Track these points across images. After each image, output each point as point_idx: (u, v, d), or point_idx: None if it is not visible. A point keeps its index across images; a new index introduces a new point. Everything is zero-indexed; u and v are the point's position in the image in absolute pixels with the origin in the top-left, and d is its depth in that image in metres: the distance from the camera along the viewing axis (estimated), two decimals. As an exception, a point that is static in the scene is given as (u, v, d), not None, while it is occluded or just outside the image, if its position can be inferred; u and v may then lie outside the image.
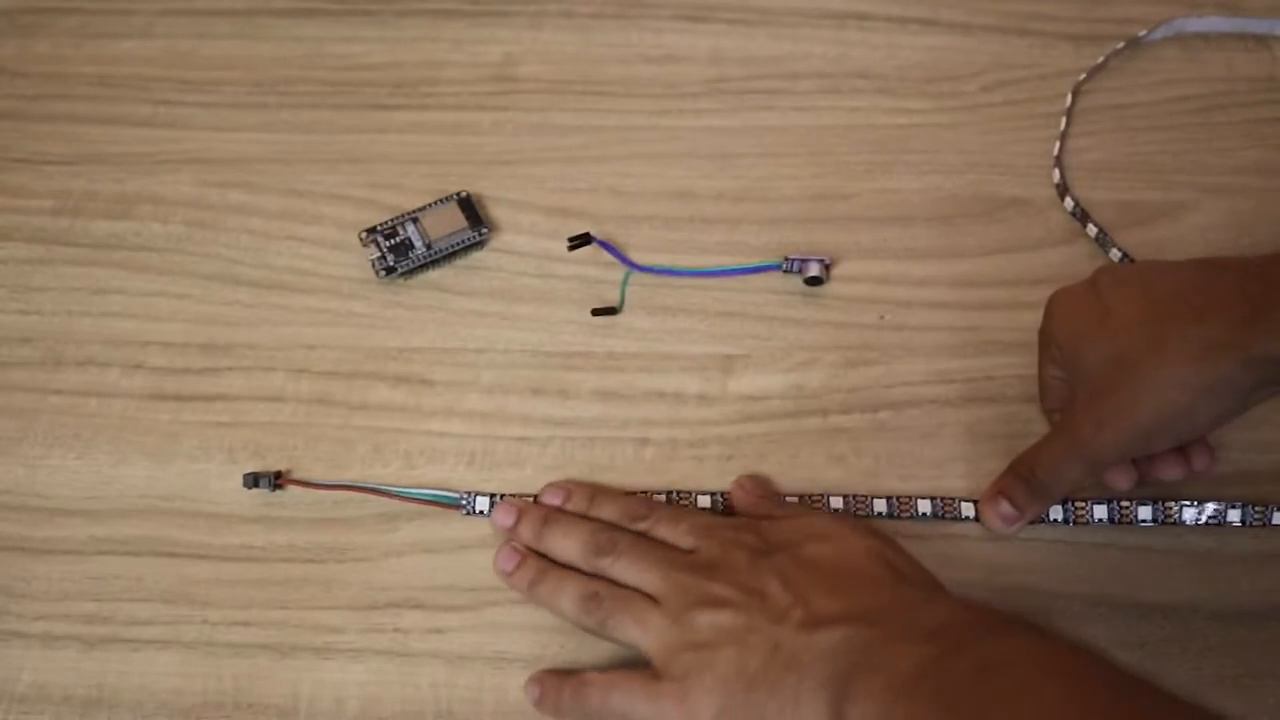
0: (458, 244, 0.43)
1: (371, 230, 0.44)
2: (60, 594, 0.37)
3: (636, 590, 0.33)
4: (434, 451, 0.40)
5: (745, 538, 0.34)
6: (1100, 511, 0.37)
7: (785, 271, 0.43)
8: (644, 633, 0.32)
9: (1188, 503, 0.37)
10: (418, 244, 0.43)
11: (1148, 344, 0.32)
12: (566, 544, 0.35)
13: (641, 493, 0.38)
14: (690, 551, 0.34)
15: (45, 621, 0.36)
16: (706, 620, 0.31)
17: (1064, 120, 0.47)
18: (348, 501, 0.38)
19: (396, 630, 0.36)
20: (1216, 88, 0.49)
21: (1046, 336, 0.37)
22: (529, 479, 0.39)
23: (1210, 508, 0.37)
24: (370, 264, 0.43)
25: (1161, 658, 0.35)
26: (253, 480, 0.38)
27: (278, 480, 0.38)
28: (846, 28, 0.51)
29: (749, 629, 0.31)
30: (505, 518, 0.37)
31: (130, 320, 0.43)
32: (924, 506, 0.38)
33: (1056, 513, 0.37)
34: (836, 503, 0.38)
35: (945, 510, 0.38)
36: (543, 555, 0.36)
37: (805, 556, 0.33)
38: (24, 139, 0.48)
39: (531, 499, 0.38)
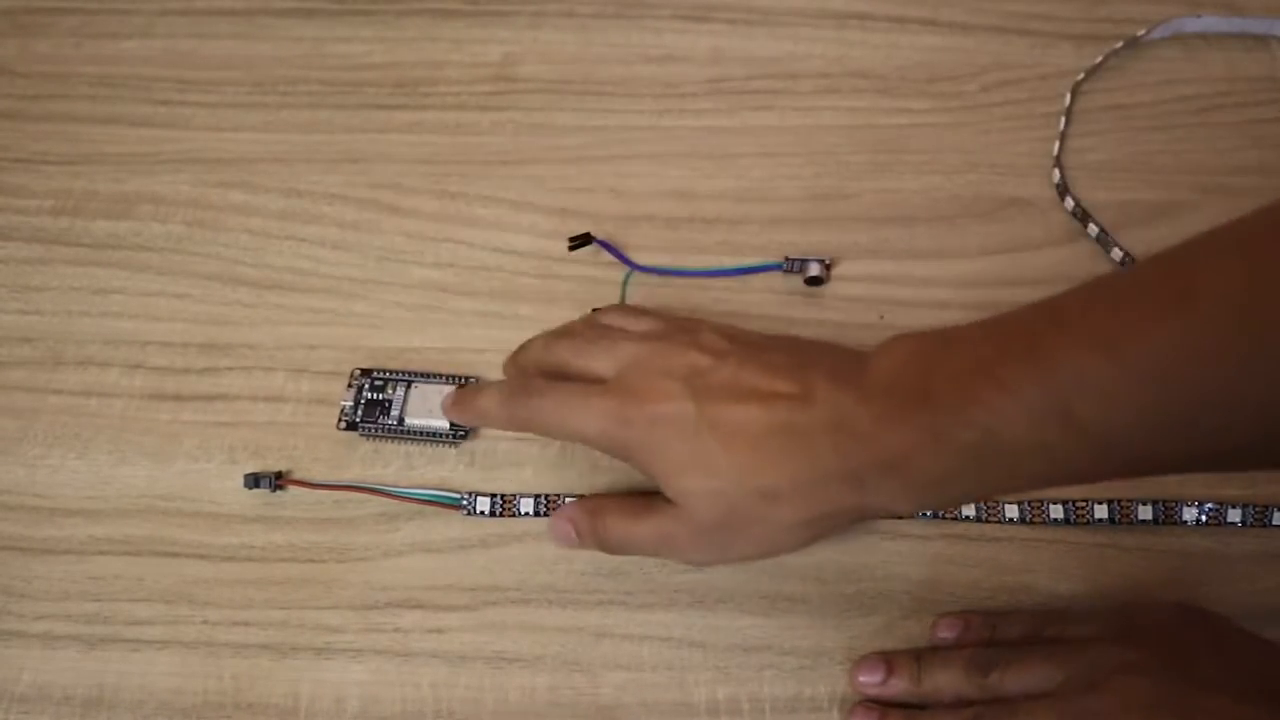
0: (429, 434, 0.39)
1: (367, 372, 0.40)
2: (60, 594, 0.37)
3: (1025, 696, 0.32)
4: (434, 451, 0.40)
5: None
6: (1100, 511, 0.37)
7: (785, 271, 0.43)
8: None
9: (1188, 503, 0.37)
10: (393, 412, 0.39)
11: (761, 499, 0.31)
12: (949, 673, 0.33)
13: (641, 493, 0.38)
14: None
15: (45, 621, 0.36)
16: None
17: (1064, 120, 0.47)
18: (348, 501, 0.38)
19: (396, 630, 0.36)
20: (1216, 88, 0.49)
21: (628, 458, 0.33)
22: (529, 479, 0.39)
23: (1210, 507, 0.37)
24: (341, 405, 0.40)
25: (1161, 658, 0.35)
26: (253, 480, 0.38)
27: (278, 480, 0.38)
28: (846, 28, 0.51)
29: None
30: (873, 674, 0.34)
31: (130, 320, 0.43)
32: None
33: (1057, 512, 0.37)
34: (837, 503, 0.38)
35: (945, 510, 0.37)
36: (898, 705, 0.34)
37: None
38: (24, 139, 0.48)
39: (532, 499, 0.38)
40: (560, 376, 0.35)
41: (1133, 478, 0.33)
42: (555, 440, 0.39)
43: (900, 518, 0.36)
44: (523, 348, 0.37)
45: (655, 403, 0.32)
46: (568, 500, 0.38)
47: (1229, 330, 0.24)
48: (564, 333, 0.36)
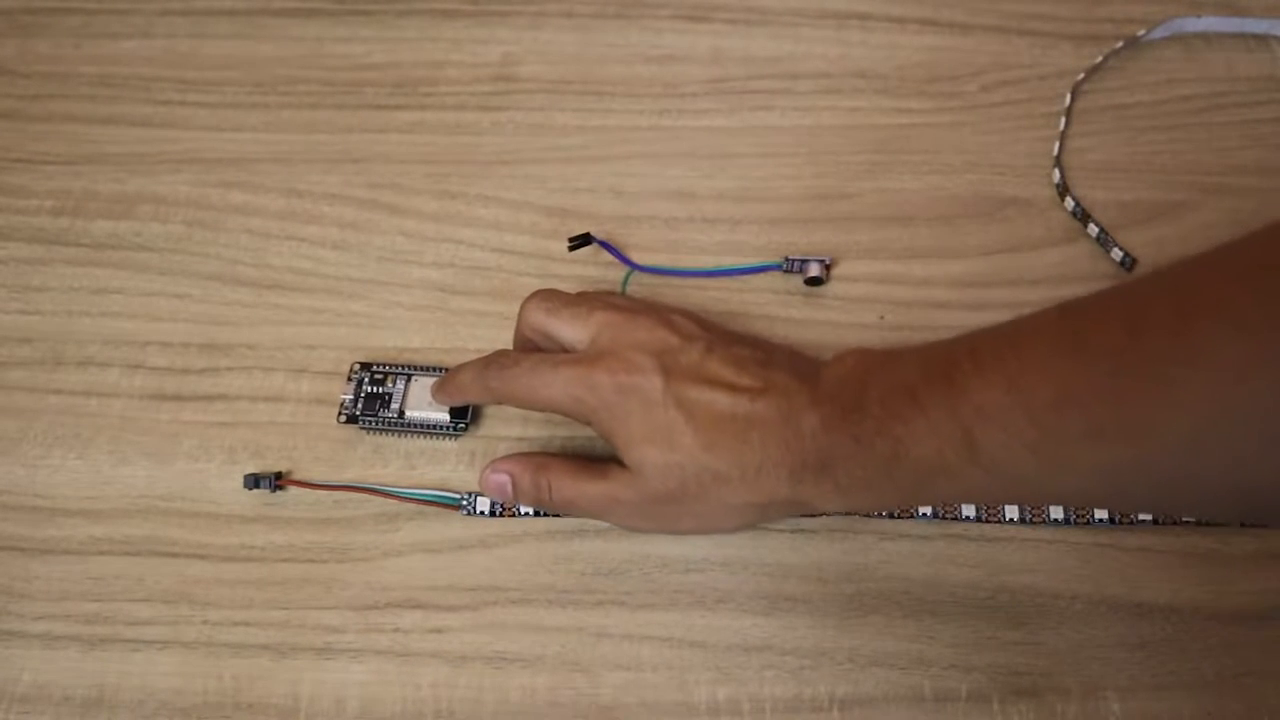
0: (428, 426, 0.39)
1: (366, 366, 0.40)
2: (60, 594, 0.37)
3: None
4: (434, 451, 0.40)
5: None
6: (1100, 511, 0.37)
7: (785, 271, 0.43)
8: None
9: (1188, 503, 0.37)
10: (393, 405, 0.39)
11: (713, 478, 0.33)
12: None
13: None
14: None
15: (45, 621, 0.36)
16: None
17: (1064, 120, 0.47)
18: (348, 501, 0.38)
19: (396, 630, 0.36)
20: (1216, 88, 0.49)
21: (589, 422, 0.35)
22: (529, 479, 0.39)
23: (1210, 508, 0.37)
24: (340, 399, 0.40)
25: (1161, 658, 0.35)
26: (253, 481, 0.38)
27: (278, 480, 0.38)
28: (846, 28, 0.51)
29: None
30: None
31: (130, 320, 0.43)
32: (924, 506, 0.38)
33: (1057, 512, 0.37)
34: (836, 503, 0.38)
35: (945, 510, 0.37)
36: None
37: None
38: (24, 139, 0.48)
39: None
40: (536, 350, 0.37)
41: (1044, 504, 0.36)
42: (531, 412, 0.39)
43: (829, 514, 0.37)
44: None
45: (625, 373, 0.33)
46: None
47: (1107, 375, 0.27)
48: (542, 296, 0.37)
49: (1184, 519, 0.37)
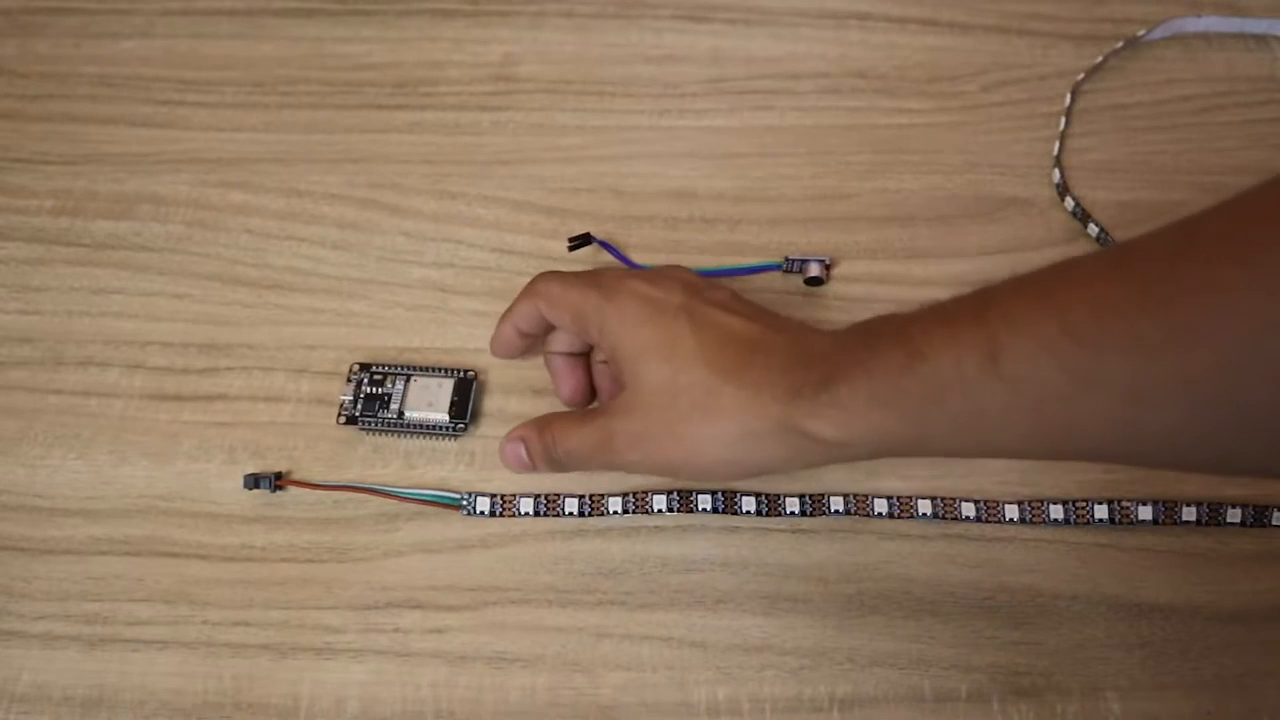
0: (427, 426, 0.39)
1: (365, 367, 0.41)
2: (60, 594, 0.37)
3: None
4: (434, 451, 0.40)
5: None
6: (1100, 511, 0.37)
7: (785, 271, 0.43)
8: None
9: (1187, 503, 0.37)
10: (392, 405, 0.39)
11: (705, 392, 0.32)
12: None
13: (640, 493, 0.38)
14: None
15: (45, 621, 0.36)
16: None
17: (1064, 120, 0.47)
18: (348, 501, 0.38)
19: (396, 630, 0.36)
20: (1216, 88, 0.49)
21: (600, 330, 0.35)
22: (529, 479, 0.39)
23: (1209, 507, 0.37)
24: (340, 400, 0.40)
25: (1161, 658, 0.35)
26: (253, 481, 0.38)
27: (278, 480, 0.38)
28: (846, 28, 0.51)
29: None
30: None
31: (130, 320, 0.43)
32: (924, 507, 0.38)
33: (1057, 513, 0.37)
34: (836, 503, 0.38)
35: (945, 510, 0.38)
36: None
37: None
38: (24, 139, 0.48)
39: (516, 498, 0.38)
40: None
41: (1058, 455, 0.32)
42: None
43: (825, 446, 0.32)
44: None
45: (650, 286, 0.34)
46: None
47: (1151, 282, 0.25)
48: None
49: (1183, 517, 0.37)
